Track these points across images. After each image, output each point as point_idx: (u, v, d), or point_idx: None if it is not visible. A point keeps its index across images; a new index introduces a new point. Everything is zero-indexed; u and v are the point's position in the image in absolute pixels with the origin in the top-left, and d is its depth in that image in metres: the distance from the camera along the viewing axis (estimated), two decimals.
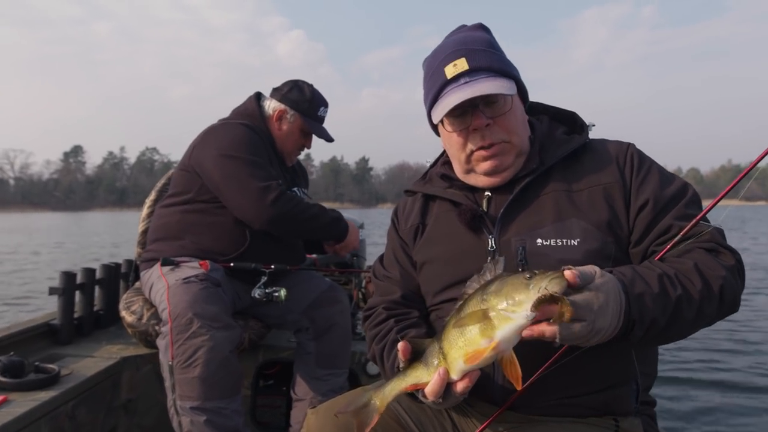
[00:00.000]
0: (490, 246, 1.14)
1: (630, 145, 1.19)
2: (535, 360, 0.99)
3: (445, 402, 0.97)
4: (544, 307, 0.83)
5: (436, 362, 0.94)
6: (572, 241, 1.08)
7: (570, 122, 1.29)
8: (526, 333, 0.85)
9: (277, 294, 2.10)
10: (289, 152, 2.37)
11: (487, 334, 0.87)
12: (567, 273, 0.85)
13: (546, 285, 0.83)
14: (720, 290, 0.98)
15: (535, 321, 0.84)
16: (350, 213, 2.80)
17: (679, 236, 1.02)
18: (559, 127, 1.29)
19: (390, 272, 1.33)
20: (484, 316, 0.87)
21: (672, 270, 0.98)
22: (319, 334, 2.19)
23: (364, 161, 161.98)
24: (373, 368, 2.34)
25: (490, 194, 1.21)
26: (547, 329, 0.84)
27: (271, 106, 2.32)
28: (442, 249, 1.22)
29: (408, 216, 1.34)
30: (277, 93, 2.34)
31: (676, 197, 1.10)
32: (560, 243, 1.08)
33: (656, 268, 0.99)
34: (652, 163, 1.17)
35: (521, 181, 1.17)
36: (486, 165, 1.18)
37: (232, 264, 2.11)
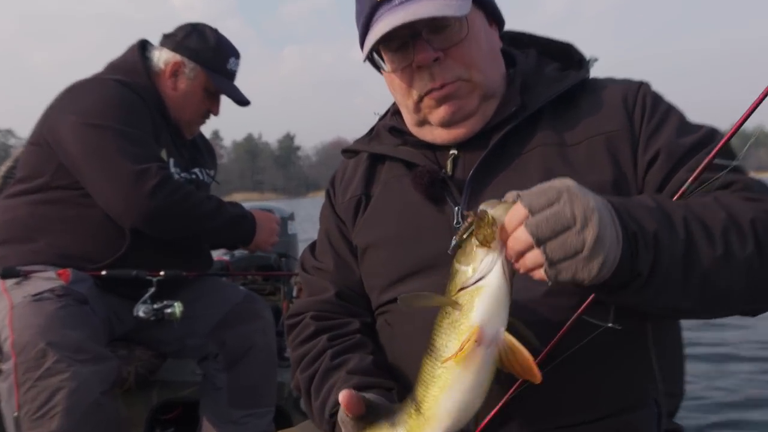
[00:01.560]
0: (455, 221, 1.00)
1: (642, 84, 1.04)
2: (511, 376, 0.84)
3: None
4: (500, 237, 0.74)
5: (410, 422, 0.80)
6: None
7: (565, 57, 1.11)
8: (517, 265, 0.75)
9: (169, 310, 1.81)
10: (188, 120, 2.04)
11: (466, 326, 0.75)
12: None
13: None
14: (752, 224, 0.82)
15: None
16: (276, 204, 2.43)
17: (690, 179, 0.84)
18: (550, 63, 1.12)
19: (322, 262, 1.16)
20: (454, 310, 0.76)
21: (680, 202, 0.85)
22: (232, 363, 1.91)
23: (288, 139, 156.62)
24: None
25: (456, 152, 1.05)
26: (524, 247, 0.72)
27: (161, 57, 1.97)
28: (392, 227, 1.06)
29: (347, 185, 1.16)
30: (170, 41, 1.99)
31: (697, 147, 0.93)
32: None
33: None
34: (670, 106, 1.02)
35: (497, 132, 1.01)
36: (440, 112, 1.02)
37: (104, 272, 1.78)
